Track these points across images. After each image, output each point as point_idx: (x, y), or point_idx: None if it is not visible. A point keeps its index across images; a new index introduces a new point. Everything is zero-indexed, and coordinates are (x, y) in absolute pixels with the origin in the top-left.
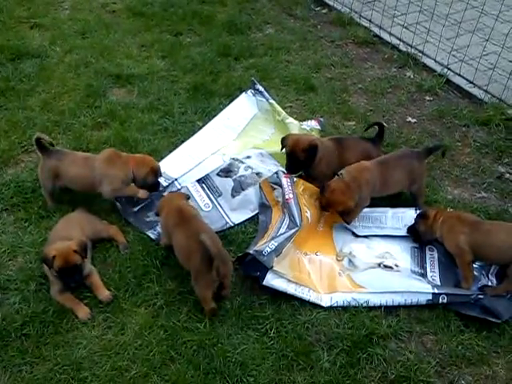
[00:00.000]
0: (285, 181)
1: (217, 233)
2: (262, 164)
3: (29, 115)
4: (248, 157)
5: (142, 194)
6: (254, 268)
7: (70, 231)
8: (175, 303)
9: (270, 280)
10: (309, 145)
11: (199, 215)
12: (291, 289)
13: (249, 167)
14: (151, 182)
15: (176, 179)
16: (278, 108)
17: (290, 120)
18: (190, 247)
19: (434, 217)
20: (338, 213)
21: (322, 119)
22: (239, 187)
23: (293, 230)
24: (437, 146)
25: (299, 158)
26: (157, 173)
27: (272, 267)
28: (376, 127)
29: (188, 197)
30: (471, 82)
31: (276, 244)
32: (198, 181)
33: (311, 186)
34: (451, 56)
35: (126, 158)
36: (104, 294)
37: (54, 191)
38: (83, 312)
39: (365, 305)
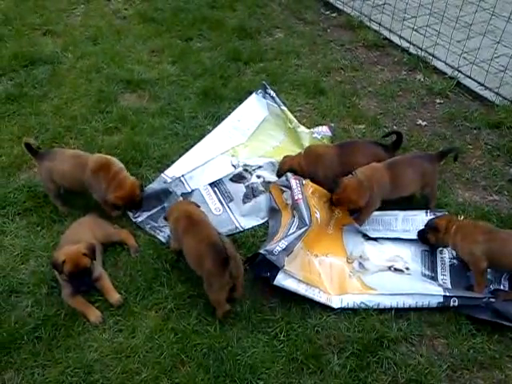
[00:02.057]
0: (294, 182)
1: (226, 236)
2: (273, 174)
3: (41, 121)
4: (259, 167)
5: (115, 214)
6: (264, 269)
7: (82, 235)
8: (185, 306)
9: (281, 280)
10: (287, 170)
11: (208, 219)
12: (302, 289)
13: (260, 176)
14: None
15: (183, 175)
16: (290, 115)
17: (302, 128)
18: (201, 251)
19: (445, 228)
20: (348, 211)
21: (332, 125)
22: (251, 194)
23: (302, 229)
24: (450, 149)
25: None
26: (131, 202)
27: (283, 266)
28: (394, 136)
29: (198, 205)
30: (482, 85)
31: (286, 243)
32: (211, 184)
33: (320, 189)
34: (462, 58)
35: (114, 177)
36: (115, 297)
37: (60, 194)
38: (94, 315)
39: (375, 307)
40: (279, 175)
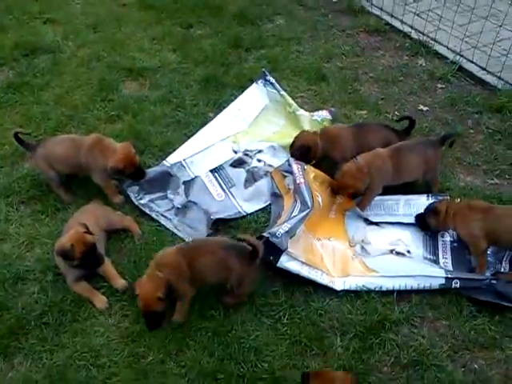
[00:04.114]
0: (296, 167)
1: (230, 220)
2: (274, 158)
3: (43, 109)
4: (260, 151)
5: (118, 200)
6: (267, 252)
7: (85, 223)
8: None
9: (284, 262)
10: (300, 146)
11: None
12: (305, 271)
13: (261, 160)
14: (129, 173)
15: (184, 159)
16: (289, 100)
17: (301, 112)
18: (220, 260)
19: (445, 211)
20: (349, 197)
21: (333, 109)
22: (252, 178)
23: (305, 212)
24: (451, 134)
25: (293, 155)
26: (131, 164)
27: (286, 249)
28: (408, 121)
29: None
30: (484, 69)
31: (289, 226)
32: (212, 171)
33: (322, 174)
34: (464, 43)
35: (107, 147)
36: (120, 282)
37: (62, 182)
38: (100, 301)
39: (378, 289)
40: (292, 149)
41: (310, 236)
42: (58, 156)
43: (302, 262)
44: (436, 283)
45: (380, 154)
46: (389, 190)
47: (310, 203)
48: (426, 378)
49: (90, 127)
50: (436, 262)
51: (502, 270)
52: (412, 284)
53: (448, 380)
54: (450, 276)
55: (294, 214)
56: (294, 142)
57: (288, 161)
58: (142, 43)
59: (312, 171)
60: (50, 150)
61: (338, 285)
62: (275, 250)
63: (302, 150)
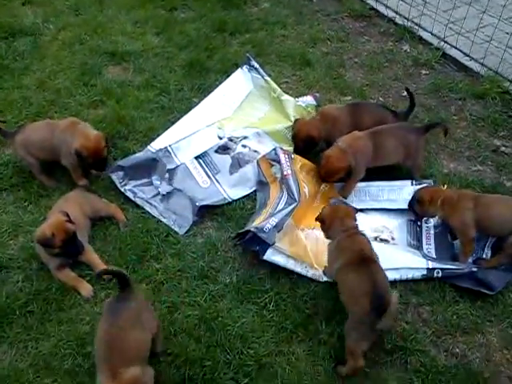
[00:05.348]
0: (283, 157)
1: (215, 207)
2: (259, 144)
3: (24, 94)
4: (245, 137)
5: (81, 183)
6: (253, 243)
7: (69, 210)
8: (175, 279)
9: (271, 255)
10: (306, 136)
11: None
12: (290, 264)
13: (246, 145)
14: (90, 162)
15: (170, 145)
16: (274, 85)
17: (286, 97)
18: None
19: (429, 201)
20: (337, 181)
21: (317, 94)
22: (237, 164)
23: (292, 206)
24: (436, 124)
25: (299, 147)
26: (96, 155)
27: (274, 243)
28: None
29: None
30: (467, 55)
31: (276, 220)
32: (196, 158)
33: (309, 163)
34: (448, 29)
35: (79, 131)
36: None
37: (43, 168)
38: (86, 289)
39: None
40: (295, 141)
41: (295, 227)
42: (34, 141)
43: (288, 256)
44: (418, 274)
45: (359, 136)
46: (373, 177)
47: (296, 196)
48: (409, 362)
49: (72, 112)
50: (419, 248)
51: (484, 256)
52: (395, 276)
53: (431, 364)
54: (431, 267)
55: (280, 207)
56: (295, 133)
57: (275, 150)
58: (125, 26)
59: (299, 160)
60: (27, 136)
61: (323, 276)
62: (262, 243)
63: (306, 141)
